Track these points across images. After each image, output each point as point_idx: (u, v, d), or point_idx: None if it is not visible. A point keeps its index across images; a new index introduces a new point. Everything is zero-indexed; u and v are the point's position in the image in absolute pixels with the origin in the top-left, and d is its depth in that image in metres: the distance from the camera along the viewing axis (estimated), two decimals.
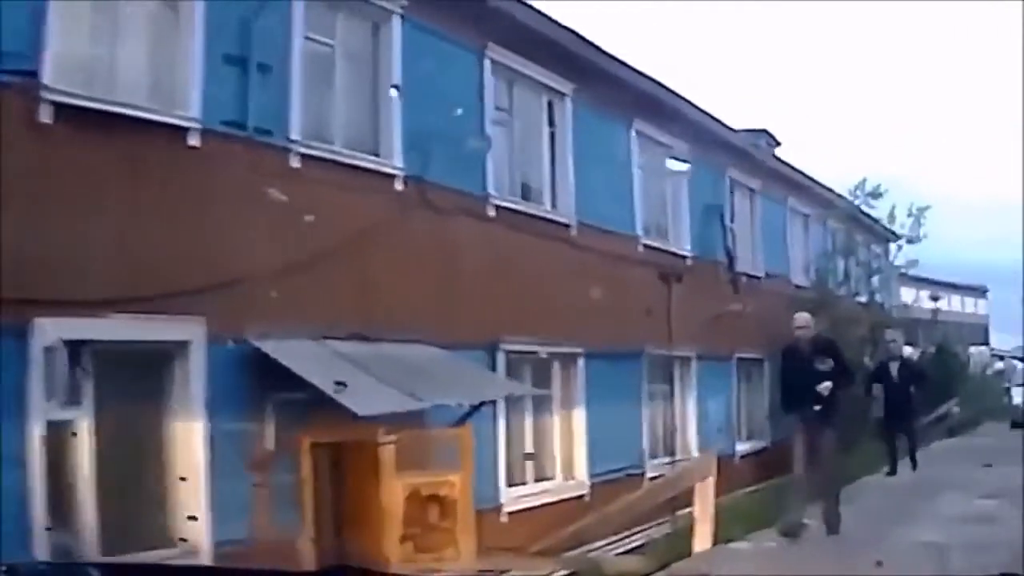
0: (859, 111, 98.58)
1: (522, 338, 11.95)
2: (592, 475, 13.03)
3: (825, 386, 10.83)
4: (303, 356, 8.76)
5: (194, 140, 8.44)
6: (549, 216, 13.15)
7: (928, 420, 27.46)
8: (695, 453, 15.50)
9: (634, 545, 11.73)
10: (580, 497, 12.74)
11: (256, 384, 8.71)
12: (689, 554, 10.25)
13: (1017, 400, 32.15)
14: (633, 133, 15.38)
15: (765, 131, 23.05)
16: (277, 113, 9.26)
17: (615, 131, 14.96)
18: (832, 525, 11.03)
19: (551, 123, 13.60)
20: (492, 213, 11.96)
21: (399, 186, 10.61)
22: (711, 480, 8.54)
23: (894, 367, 17.05)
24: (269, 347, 8.67)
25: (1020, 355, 49.14)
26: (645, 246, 15.16)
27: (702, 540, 9.36)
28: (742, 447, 17.23)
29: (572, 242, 13.35)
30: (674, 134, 16.50)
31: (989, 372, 44.19)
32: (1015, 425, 31.02)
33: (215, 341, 8.41)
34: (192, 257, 8.32)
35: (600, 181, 14.17)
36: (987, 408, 36.51)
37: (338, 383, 8.25)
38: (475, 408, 9.84)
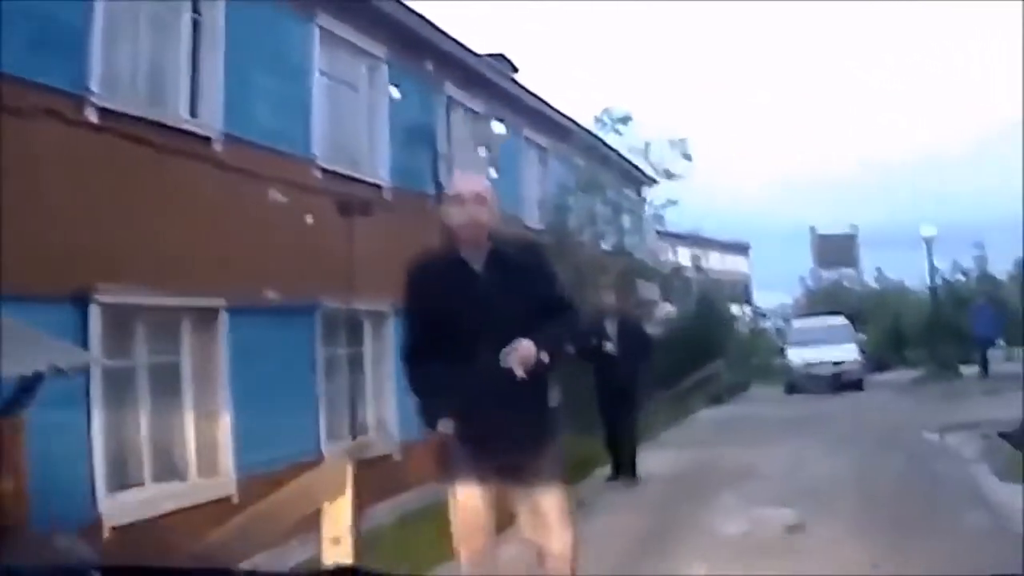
0: (607, 39, 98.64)
1: (131, 287, 9.59)
2: (242, 469, 10.76)
3: (521, 353, 5.00)
4: None
5: None
6: (184, 126, 10.80)
7: (689, 385, 26.51)
8: (395, 432, 13.53)
9: None
10: (225, 499, 10.48)
11: None
12: None
13: (794, 361, 31.26)
14: (316, 30, 13.18)
15: (501, 55, 21.38)
16: None
17: (289, 25, 12.71)
18: None
19: (195, 8, 11.26)
20: (94, 118, 9.53)
21: None
22: (346, 500, 5.88)
23: (611, 327, 13.32)
24: None
25: (784, 314, 49.68)
26: (324, 171, 12.93)
27: None
28: None
29: (216, 161, 11.03)
30: (374, 37, 14.46)
31: (755, 331, 44.29)
32: (791, 389, 30.39)
33: None
34: None
35: (263, 87, 11.96)
36: (755, 370, 36.19)
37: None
38: (25, 390, 7.41)
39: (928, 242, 33.49)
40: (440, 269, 5.32)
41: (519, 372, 4.93)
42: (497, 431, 5.09)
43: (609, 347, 13.10)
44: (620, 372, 12.95)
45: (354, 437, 12.17)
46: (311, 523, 5.58)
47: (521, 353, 4.95)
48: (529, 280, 5.27)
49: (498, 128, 17.93)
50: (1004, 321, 32.31)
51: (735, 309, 41.91)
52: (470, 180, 5.56)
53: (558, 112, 21.48)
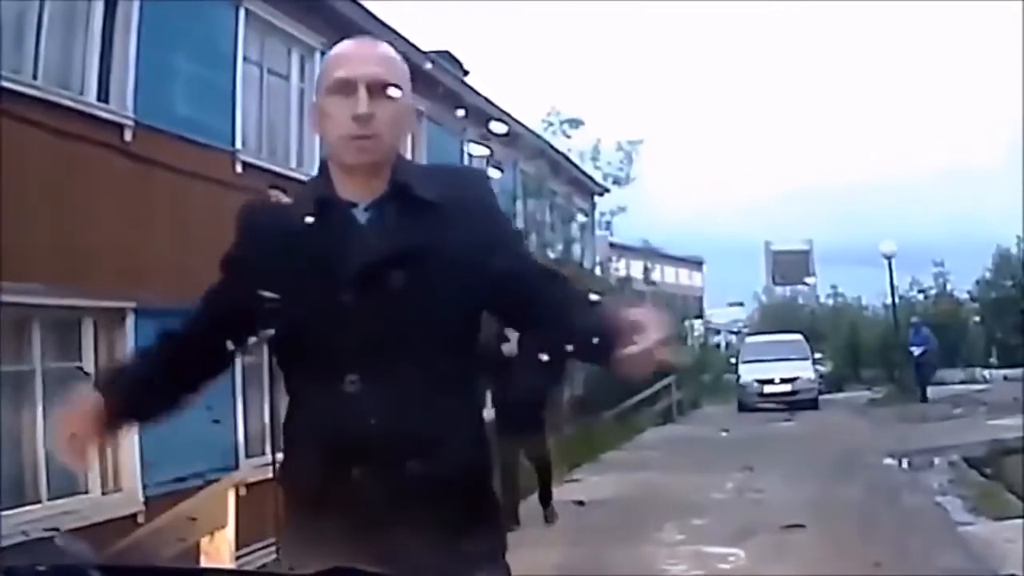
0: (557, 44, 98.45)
1: (27, 285, 9.05)
2: (150, 484, 10.25)
3: (651, 341, 2.43)
4: None
5: None
6: (91, 111, 10.29)
7: (637, 402, 26.09)
8: None
9: None
10: (131, 517, 9.96)
11: None
12: None
13: (747, 379, 31.00)
14: (242, 13, 12.68)
15: (447, 52, 20.93)
16: None
17: (212, 6, 12.23)
18: None
19: None
20: None
21: None
22: (226, 535, 5.25)
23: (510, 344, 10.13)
24: None
25: (736, 329, 49.64)
26: (246, 164, 12.44)
27: None
28: None
29: (126, 151, 10.52)
30: (307, 24, 13.99)
31: (706, 346, 44.10)
32: (743, 408, 30.11)
33: None
34: None
35: (182, 72, 11.46)
36: (707, 387, 35.94)
37: None
38: None
39: (888, 259, 33.26)
40: (296, 211, 2.75)
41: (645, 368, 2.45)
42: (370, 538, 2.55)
43: (507, 348, 10.16)
44: (523, 383, 10.25)
45: (275, 452, 11.60)
46: None
47: (651, 342, 2.41)
48: (457, 241, 2.66)
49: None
50: (938, 343, 32.09)
51: (689, 324, 41.70)
52: (366, 51, 2.78)
53: (504, 113, 21.06)
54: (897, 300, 35.96)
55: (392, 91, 2.71)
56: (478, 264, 2.65)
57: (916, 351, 29.67)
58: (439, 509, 2.59)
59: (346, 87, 2.68)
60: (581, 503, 12.47)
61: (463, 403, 2.73)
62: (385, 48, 2.81)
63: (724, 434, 23.05)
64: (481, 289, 2.67)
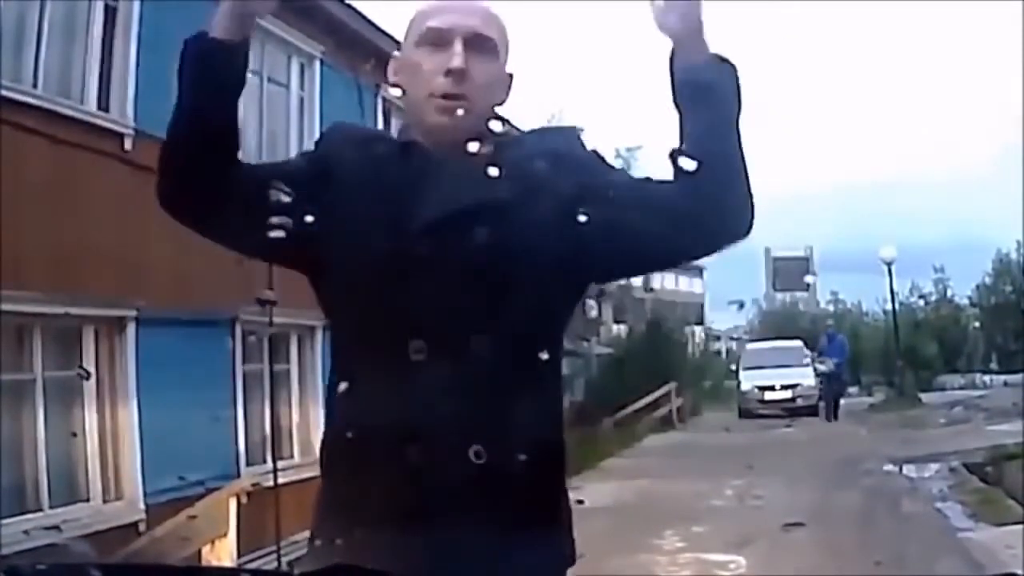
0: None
1: (28, 294, 9.06)
2: (152, 492, 10.24)
3: None
4: None
5: None
6: (92, 120, 10.31)
7: (637, 409, 26.12)
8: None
9: None
10: (132, 525, 9.97)
11: None
12: None
13: (747, 386, 31.04)
14: None
15: None
16: None
17: (210, 14, 12.20)
18: None
19: None
20: None
21: None
22: (227, 543, 5.24)
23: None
24: None
25: (737, 336, 49.65)
26: None
27: None
28: None
29: (127, 159, 10.49)
30: (307, 32, 14.00)
31: (707, 353, 44.22)
32: (744, 414, 30.15)
33: None
34: None
35: None
36: (707, 394, 36.02)
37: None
38: None
39: (888, 264, 33.25)
40: (381, 148, 2.45)
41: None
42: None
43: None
44: None
45: (275, 460, 11.62)
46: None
47: None
48: (553, 202, 2.29)
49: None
50: (850, 353, 31.82)
51: (689, 330, 41.70)
52: (465, 2, 2.45)
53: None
54: (897, 306, 35.99)
55: (492, 48, 2.40)
56: (576, 228, 2.26)
57: (823, 366, 29.18)
58: (500, 505, 2.20)
59: (439, 39, 2.36)
60: (581, 502, 12.46)
61: (542, 384, 2.30)
62: (486, 3, 2.46)
63: (726, 433, 23.10)
64: (582, 256, 2.28)
